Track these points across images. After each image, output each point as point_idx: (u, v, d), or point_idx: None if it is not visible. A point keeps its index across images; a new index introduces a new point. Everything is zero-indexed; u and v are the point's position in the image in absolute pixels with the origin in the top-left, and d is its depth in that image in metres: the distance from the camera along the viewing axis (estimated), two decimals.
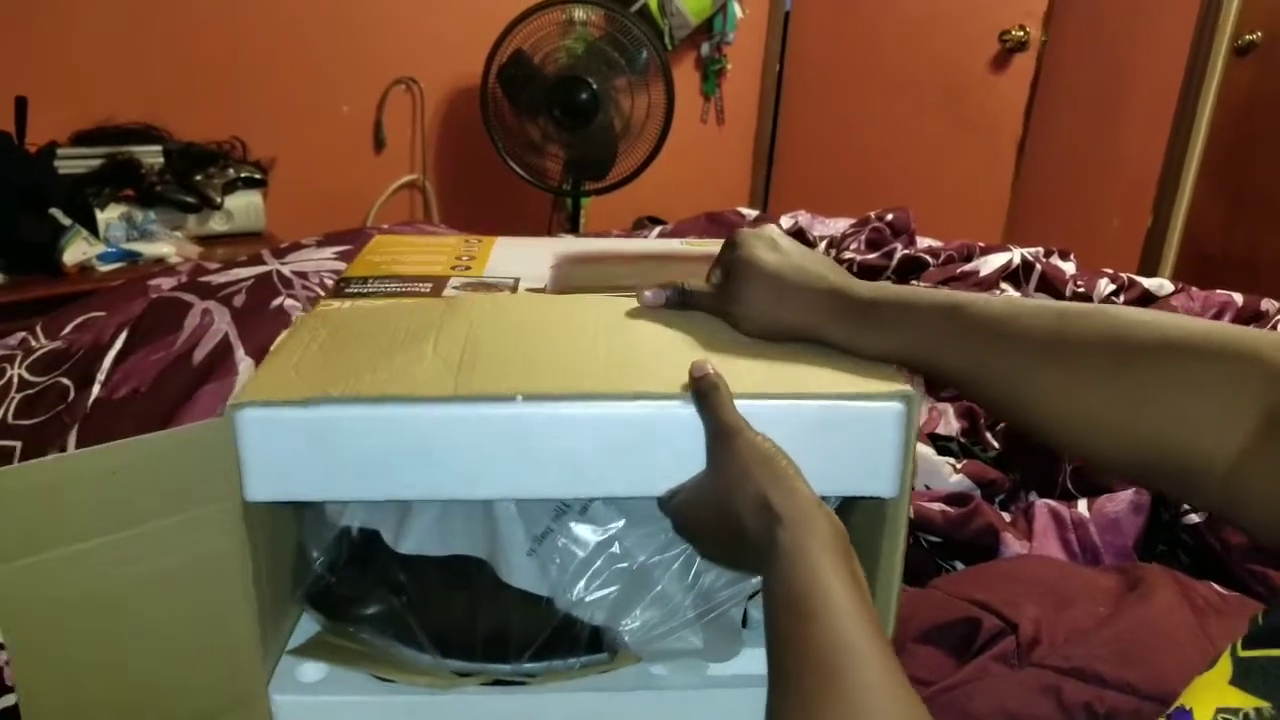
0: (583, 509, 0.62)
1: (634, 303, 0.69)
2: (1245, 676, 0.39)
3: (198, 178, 2.00)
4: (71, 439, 0.93)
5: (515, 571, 0.61)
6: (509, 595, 0.62)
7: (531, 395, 0.56)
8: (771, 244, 0.64)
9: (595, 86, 2.37)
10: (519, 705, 0.63)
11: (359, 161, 2.55)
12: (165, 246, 1.88)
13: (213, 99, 2.24)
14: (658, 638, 0.61)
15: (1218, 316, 1.55)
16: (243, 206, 2.07)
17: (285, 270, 1.17)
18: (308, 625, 0.69)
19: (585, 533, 0.62)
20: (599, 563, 0.61)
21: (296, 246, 1.31)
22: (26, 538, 0.53)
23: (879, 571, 0.61)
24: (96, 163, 1.94)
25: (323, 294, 1.02)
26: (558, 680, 0.63)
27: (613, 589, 0.61)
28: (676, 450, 0.56)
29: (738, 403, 0.55)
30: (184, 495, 0.56)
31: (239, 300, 1.08)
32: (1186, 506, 0.88)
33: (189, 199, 1.98)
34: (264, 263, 1.21)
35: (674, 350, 0.62)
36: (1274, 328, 1.47)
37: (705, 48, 3.04)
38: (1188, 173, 2.96)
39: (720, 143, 3.24)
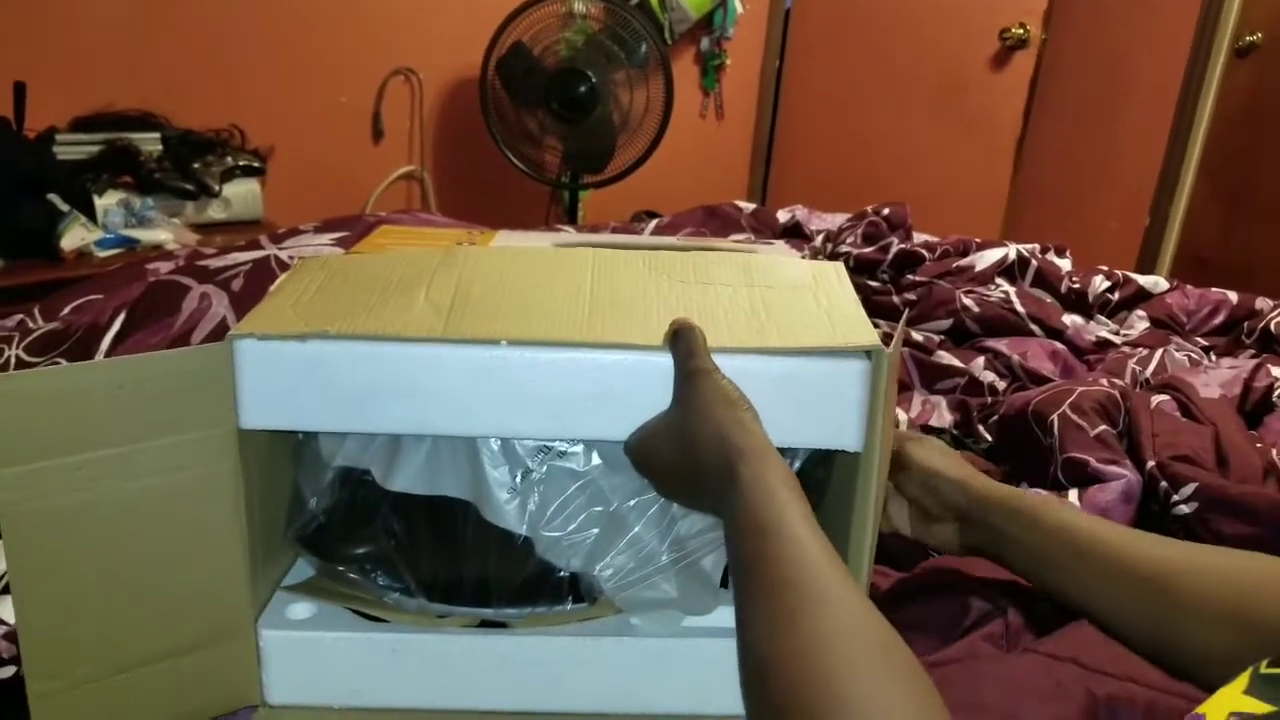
0: (562, 452, 0.65)
1: (623, 256, 0.71)
2: (1260, 686, 0.40)
3: (196, 165, 2.01)
4: None
5: (498, 511, 0.63)
6: (492, 540, 0.64)
7: (515, 340, 0.59)
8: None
9: (594, 79, 2.37)
10: (501, 646, 0.65)
11: (357, 151, 2.56)
12: (163, 233, 1.88)
13: (212, 87, 2.25)
14: (633, 584, 0.64)
15: (1212, 314, 1.56)
16: (241, 194, 2.07)
17: (283, 255, 1.18)
18: (302, 570, 0.71)
19: (564, 474, 0.64)
20: (576, 504, 0.64)
21: (294, 232, 1.32)
22: (32, 443, 0.54)
23: (852, 527, 0.63)
24: (95, 149, 1.94)
25: None
26: (539, 624, 0.65)
27: (589, 533, 0.64)
28: (654, 397, 0.59)
29: (711, 353, 0.58)
30: (185, 417, 0.58)
31: (237, 284, 1.09)
32: (1177, 497, 0.88)
33: (187, 186, 1.98)
34: (261, 248, 1.21)
35: (656, 302, 0.65)
36: (1268, 326, 1.48)
37: (705, 42, 3.05)
38: (1186, 174, 2.97)
39: (719, 137, 3.24)
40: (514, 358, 0.59)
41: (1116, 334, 1.49)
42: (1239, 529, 0.85)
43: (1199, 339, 1.50)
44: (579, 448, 0.65)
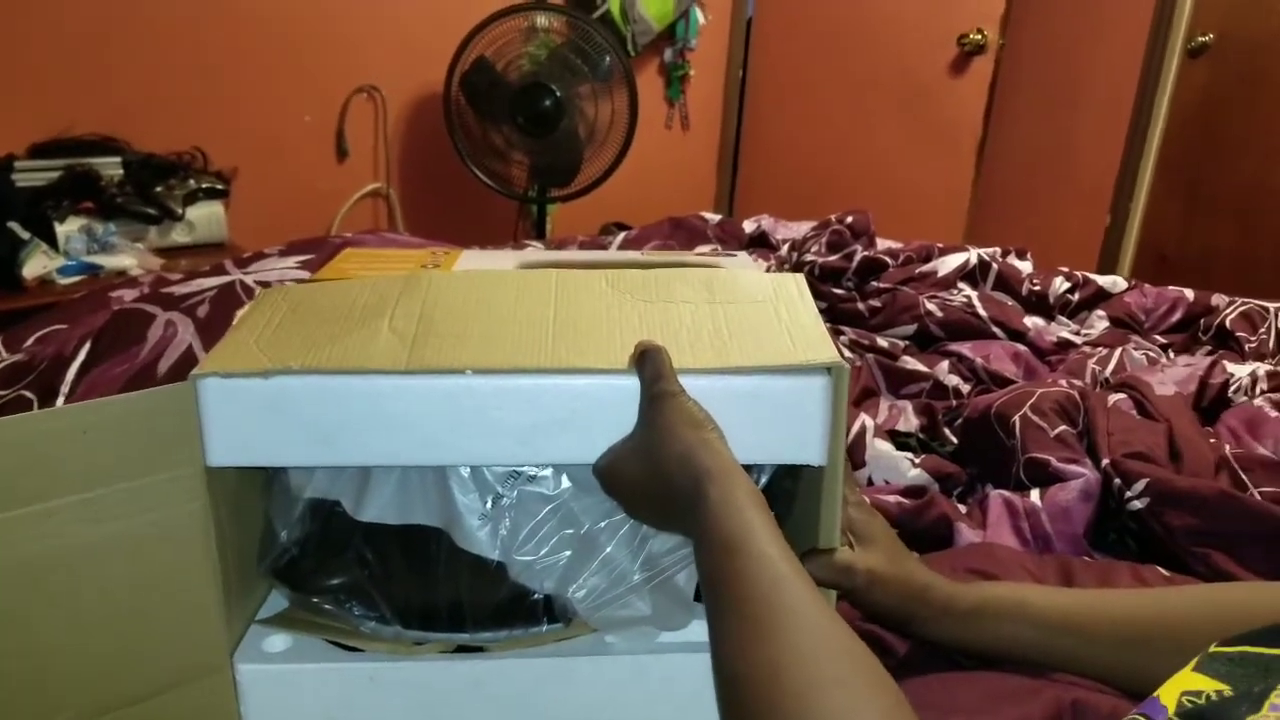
0: (532, 476, 0.65)
1: (586, 277, 0.72)
2: (1209, 664, 0.41)
3: (158, 189, 1.99)
4: None
5: (469, 537, 0.64)
6: (466, 566, 0.64)
7: (481, 369, 0.59)
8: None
9: (559, 93, 2.38)
10: (477, 671, 0.65)
11: (322, 171, 2.55)
12: (126, 259, 1.86)
13: (172, 109, 2.23)
14: (606, 604, 0.64)
15: (1170, 312, 1.59)
16: (204, 217, 2.06)
17: (249, 280, 1.17)
18: (277, 601, 0.71)
19: (534, 498, 0.65)
20: (547, 527, 0.64)
21: (259, 256, 1.31)
22: None
23: (819, 539, 0.64)
24: (55, 175, 1.93)
25: None
26: (515, 647, 0.66)
27: (562, 555, 0.64)
28: (621, 420, 0.60)
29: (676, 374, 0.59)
30: (152, 458, 0.58)
31: (203, 311, 1.08)
32: (1130, 493, 0.90)
33: (150, 210, 1.96)
34: (227, 273, 1.20)
35: (620, 323, 0.65)
36: (1224, 323, 1.51)
37: (668, 54, 3.07)
38: (1144, 172, 3.02)
39: (685, 148, 3.26)
40: (480, 386, 0.60)
41: (1077, 334, 1.52)
42: (1186, 520, 0.87)
43: (1158, 337, 1.53)
44: (549, 472, 0.65)
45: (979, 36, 2.82)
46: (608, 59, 2.41)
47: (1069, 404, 1.04)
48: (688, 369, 0.59)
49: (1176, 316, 1.59)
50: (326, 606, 0.66)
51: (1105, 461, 0.94)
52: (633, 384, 0.60)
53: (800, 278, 0.73)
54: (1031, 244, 1.77)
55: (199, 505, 0.61)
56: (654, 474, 0.56)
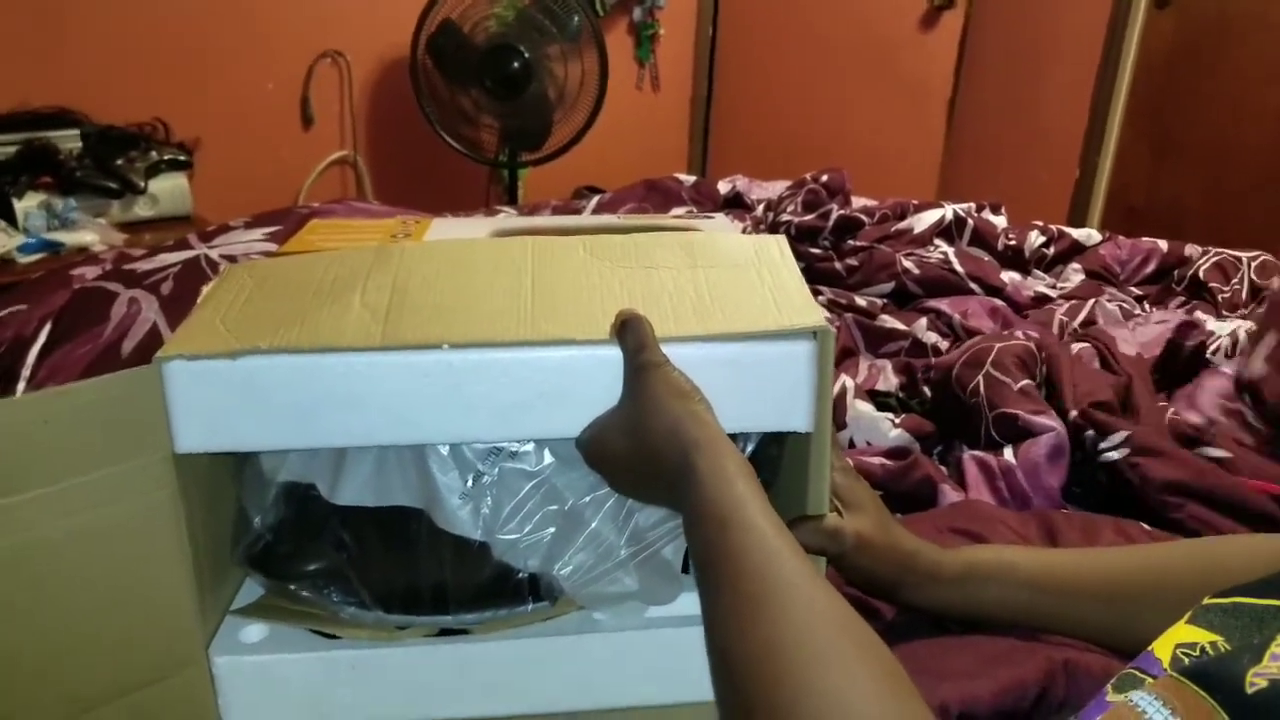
0: (513, 453, 0.63)
1: (563, 244, 0.70)
2: (1203, 615, 0.41)
3: (119, 162, 1.94)
4: None
5: (450, 517, 0.62)
6: (448, 546, 0.63)
7: (457, 344, 0.57)
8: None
9: (527, 55, 2.34)
10: (462, 654, 0.64)
11: (287, 139, 2.49)
12: (88, 234, 1.82)
13: (131, 79, 2.17)
14: (593, 580, 0.63)
15: (1144, 263, 1.60)
16: (168, 190, 2.01)
17: (213, 254, 1.15)
18: (251, 590, 0.69)
19: (516, 475, 0.63)
20: (530, 504, 0.63)
21: (224, 229, 1.28)
22: None
23: (808, 506, 0.63)
24: (11, 150, 1.87)
25: None
26: (500, 628, 0.64)
27: (546, 531, 0.63)
28: (603, 392, 0.58)
29: (659, 344, 0.57)
30: (118, 446, 0.56)
31: (166, 288, 1.06)
32: (1105, 444, 0.91)
33: (111, 184, 1.92)
34: (190, 247, 1.18)
35: (600, 291, 0.64)
36: (1197, 273, 1.52)
37: (637, 13, 3.02)
38: (1112, 125, 3.02)
39: (657, 109, 3.22)
40: (457, 361, 0.58)
41: (1053, 288, 1.52)
42: (1168, 474, 0.87)
43: (1133, 289, 1.53)
44: (530, 447, 0.63)
45: None
46: (576, 19, 2.37)
47: (1027, 356, 1.04)
48: (671, 337, 0.58)
49: (1151, 268, 1.60)
50: (304, 593, 0.64)
51: (1073, 413, 0.94)
52: (615, 355, 0.58)
53: (782, 239, 0.72)
54: (1003, 198, 1.77)
55: (168, 493, 0.58)
56: (640, 447, 0.55)
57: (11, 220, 1.79)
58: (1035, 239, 1.61)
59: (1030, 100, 3.13)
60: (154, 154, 2.03)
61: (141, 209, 1.98)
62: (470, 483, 0.63)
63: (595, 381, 0.58)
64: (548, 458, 0.63)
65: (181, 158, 2.07)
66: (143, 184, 1.95)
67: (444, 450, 0.63)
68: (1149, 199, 3.03)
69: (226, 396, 0.57)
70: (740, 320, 0.60)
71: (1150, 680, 0.39)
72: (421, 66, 2.33)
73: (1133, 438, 0.90)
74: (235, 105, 2.36)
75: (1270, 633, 0.36)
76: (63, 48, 2.08)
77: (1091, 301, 1.37)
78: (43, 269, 1.61)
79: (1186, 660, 0.39)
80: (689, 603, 0.63)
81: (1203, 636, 0.40)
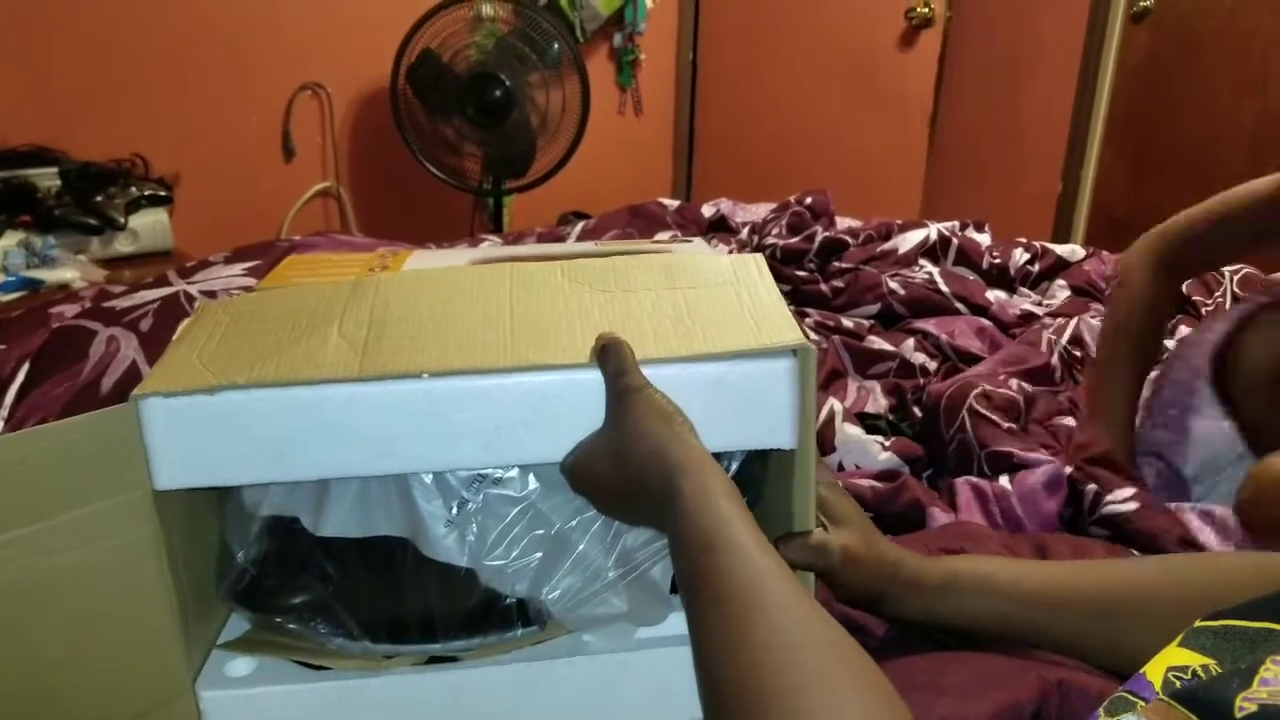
0: (497, 479, 0.63)
1: (542, 271, 0.70)
2: (1194, 638, 0.41)
3: (98, 198, 1.93)
4: None
5: (436, 545, 0.62)
6: (434, 574, 0.62)
7: (437, 372, 0.57)
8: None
9: (508, 83, 2.34)
10: (451, 681, 0.63)
11: (268, 172, 2.49)
12: (69, 272, 1.80)
13: (109, 116, 2.16)
14: (581, 603, 0.63)
15: None
16: (148, 225, 1.99)
17: (193, 290, 1.14)
18: (238, 624, 0.69)
19: (501, 501, 0.63)
20: (517, 529, 0.63)
21: (204, 265, 1.27)
22: None
23: (793, 521, 0.63)
24: None
25: None
26: (489, 654, 0.64)
27: (533, 557, 0.62)
28: (586, 415, 0.58)
29: (640, 366, 0.57)
30: (96, 485, 0.56)
31: (145, 324, 1.04)
32: (1111, 499, 0.90)
33: (90, 221, 1.90)
34: (170, 284, 1.16)
35: (580, 316, 0.64)
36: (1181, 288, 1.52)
37: (618, 39, 3.03)
38: (1093, 138, 3.05)
39: (639, 133, 3.23)
40: (438, 389, 0.58)
41: (1040, 305, 1.52)
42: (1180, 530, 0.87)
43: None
44: (514, 473, 0.63)
45: (926, 10, 2.82)
46: (556, 46, 2.38)
47: (1011, 406, 1.04)
48: (652, 359, 0.58)
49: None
50: (291, 626, 0.64)
51: (1068, 469, 0.94)
52: (597, 378, 0.58)
53: (760, 258, 0.72)
54: (987, 214, 1.77)
55: (149, 530, 0.58)
56: (625, 471, 0.55)
57: None
58: (1020, 256, 1.62)
59: (1011, 115, 3.16)
60: (133, 189, 2.01)
61: (122, 245, 1.96)
62: (455, 510, 0.62)
63: (577, 405, 0.58)
64: (532, 483, 0.63)
65: (161, 193, 2.05)
66: (123, 220, 1.94)
67: (427, 479, 0.62)
68: (1132, 211, 3.05)
69: (204, 432, 0.57)
70: (721, 340, 0.60)
71: (1141, 704, 0.39)
72: (402, 96, 2.33)
73: (1139, 495, 0.89)
74: (215, 139, 2.35)
75: (1261, 655, 0.36)
76: (39, 86, 2.07)
77: (1076, 319, 1.37)
78: (22, 307, 1.58)
79: (1178, 683, 0.39)
80: (678, 623, 0.64)
81: (1194, 659, 0.40)
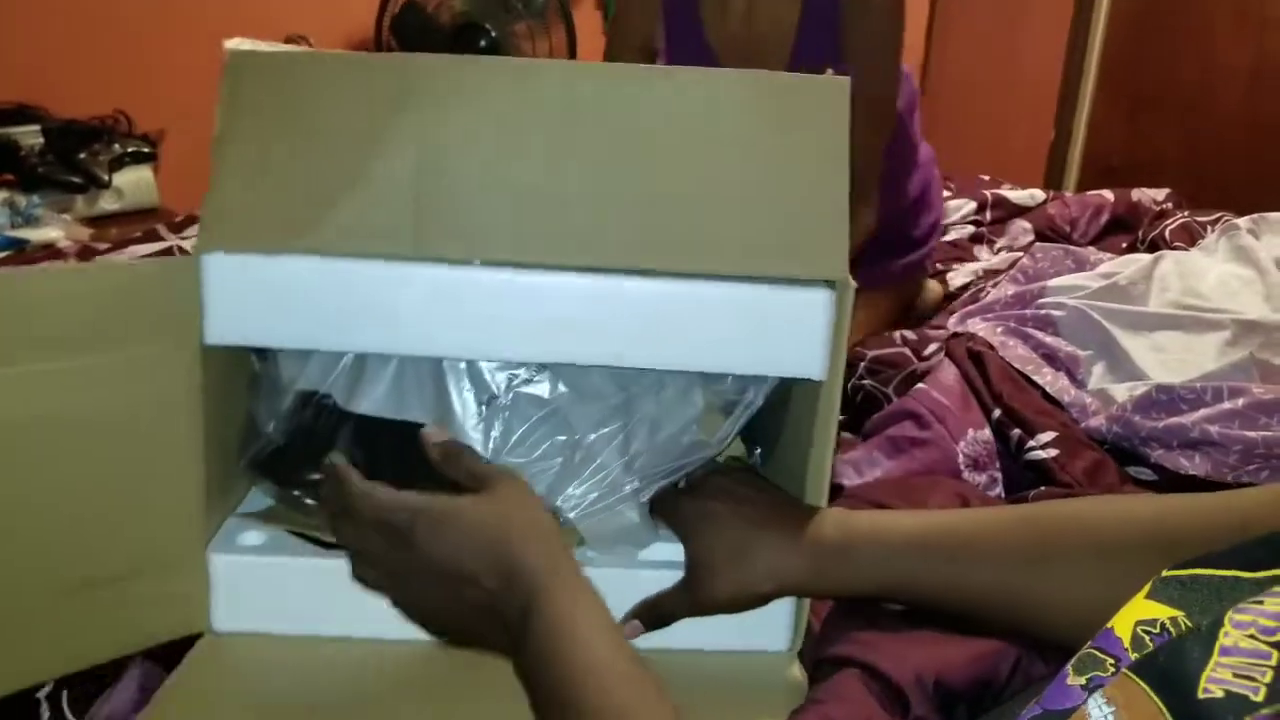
0: (528, 379, 0.65)
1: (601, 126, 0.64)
2: (1162, 589, 0.40)
3: (82, 156, 1.91)
4: None
5: (462, 435, 0.63)
6: None
7: (488, 261, 0.59)
8: (727, 497, 0.64)
9: (494, 33, 2.31)
10: None
11: None
12: (53, 230, 1.78)
13: (91, 72, 2.13)
14: (596, 513, 0.64)
15: (1095, 217, 1.60)
16: (133, 183, 1.97)
17: (186, 245, 1.13)
18: (256, 501, 0.70)
19: (530, 402, 0.64)
20: (540, 432, 0.64)
21: (193, 220, 1.26)
22: None
23: (811, 454, 0.63)
24: None
25: None
26: None
27: (553, 462, 0.64)
28: (622, 322, 0.60)
29: (668, 281, 0.59)
30: (144, 330, 0.57)
31: None
32: (1034, 443, 0.90)
33: (74, 179, 1.88)
34: (161, 238, 1.16)
35: (637, 213, 0.61)
36: (1156, 218, 1.53)
37: None
38: (1086, 83, 3.02)
39: None
40: (485, 280, 0.59)
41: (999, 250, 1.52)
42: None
43: (1091, 249, 1.49)
44: (545, 376, 0.65)
45: None
46: None
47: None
48: (683, 271, 0.59)
49: (1104, 219, 1.59)
50: (308, 500, 0.66)
51: (996, 412, 0.94)
52: (636, 286, 0.59)
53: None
54: (979, 162, 1.77)
55: (192, 384, 0.60)
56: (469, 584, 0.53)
57: None
58: (963, 208, 1.61)
59: (1003, 61, 3.13)
60: (117, 147, 1.99)
61: (106, 203, 1.94)
62: (485, 404, 0.64)
63: (617, 311, 0.60)
64: (561, 388, 0.65)
65: (145, 150, 2.03)
66: (107, 178, 1.92)
67: (462, 367, 0.64)
68: (1127, 156, 3.03)
69: (259, 293, 0.59)
70: (756, 261, 0.60)
71: (1110, 663, 0.38)
72: (386, 48, 2.30)
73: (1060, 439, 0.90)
74: (198, 94, 2.29)
75: (1226, 605, 0.35)
76: (19, 42, 2.04)
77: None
78: (8, 267, 1.58)
79: (1148, 639, 0.38)
80: (672, 551, 0.65)
81: (1163, 612, 0.39)
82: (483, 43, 2.31)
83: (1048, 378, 1.02)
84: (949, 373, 0.99)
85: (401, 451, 0.63)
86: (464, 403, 0.63)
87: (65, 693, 0.65)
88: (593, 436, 0.64)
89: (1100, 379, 1.06)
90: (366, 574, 0.58)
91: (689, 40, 1.28)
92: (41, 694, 0.65)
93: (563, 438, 0.64)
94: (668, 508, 0.66)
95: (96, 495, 0.58)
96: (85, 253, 1.19)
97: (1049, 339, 1.09)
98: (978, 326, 1.12)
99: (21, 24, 2.04)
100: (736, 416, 0.67)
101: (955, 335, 1.11)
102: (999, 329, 1.10)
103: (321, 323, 0.59)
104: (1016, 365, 1.03)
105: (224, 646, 0.64)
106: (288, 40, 2.40)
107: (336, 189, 0.59)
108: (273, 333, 0.60)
